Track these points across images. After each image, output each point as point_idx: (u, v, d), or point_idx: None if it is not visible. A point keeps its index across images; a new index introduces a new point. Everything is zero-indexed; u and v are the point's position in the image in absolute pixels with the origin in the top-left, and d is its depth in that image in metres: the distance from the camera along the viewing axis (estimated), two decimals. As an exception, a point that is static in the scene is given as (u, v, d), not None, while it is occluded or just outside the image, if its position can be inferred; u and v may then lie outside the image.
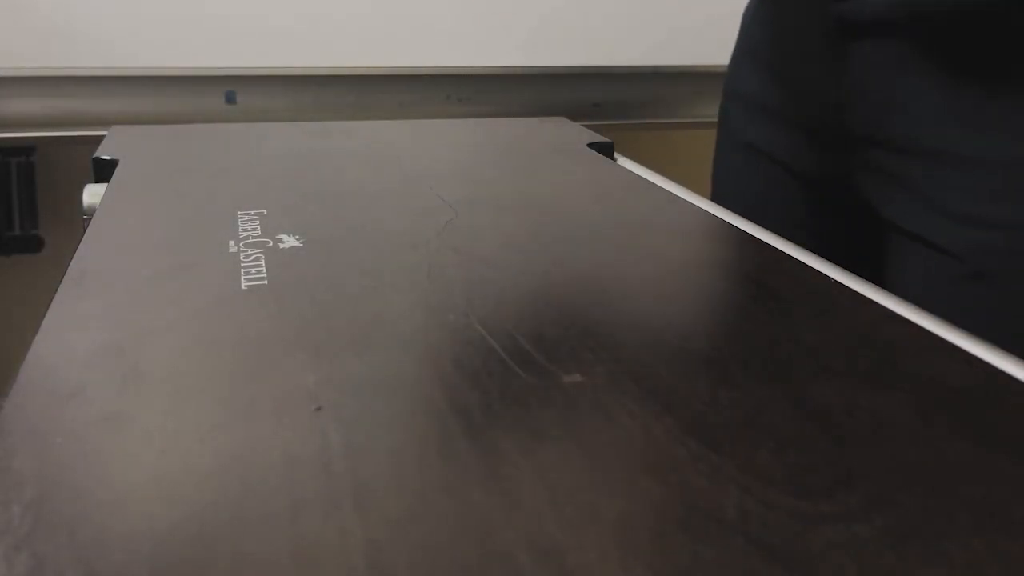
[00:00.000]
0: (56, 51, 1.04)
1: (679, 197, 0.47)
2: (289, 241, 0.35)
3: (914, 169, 0.50)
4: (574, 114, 0.69)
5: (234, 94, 1.00)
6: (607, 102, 0.91)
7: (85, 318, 0.27)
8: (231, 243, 0.35)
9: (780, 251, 0.38)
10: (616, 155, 0.58)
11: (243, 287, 0.30)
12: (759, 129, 0.58)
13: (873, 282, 0.35)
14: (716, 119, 0.64)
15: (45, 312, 0.28)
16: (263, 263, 0.33)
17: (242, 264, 0.32)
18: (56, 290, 0.30)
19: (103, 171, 0.48)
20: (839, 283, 0.34)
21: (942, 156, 0.49)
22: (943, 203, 0.49)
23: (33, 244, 1.29)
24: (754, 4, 0.61)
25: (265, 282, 0.31)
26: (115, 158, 0.48)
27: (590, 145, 0.57)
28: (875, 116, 0.51)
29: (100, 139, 0.53)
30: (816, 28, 0.54)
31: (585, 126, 0.65)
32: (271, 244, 0.35)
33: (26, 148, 1.24)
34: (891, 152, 0.51)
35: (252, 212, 0.39)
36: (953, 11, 0.48)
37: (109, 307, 0.28)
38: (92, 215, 0.39)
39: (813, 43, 0.55)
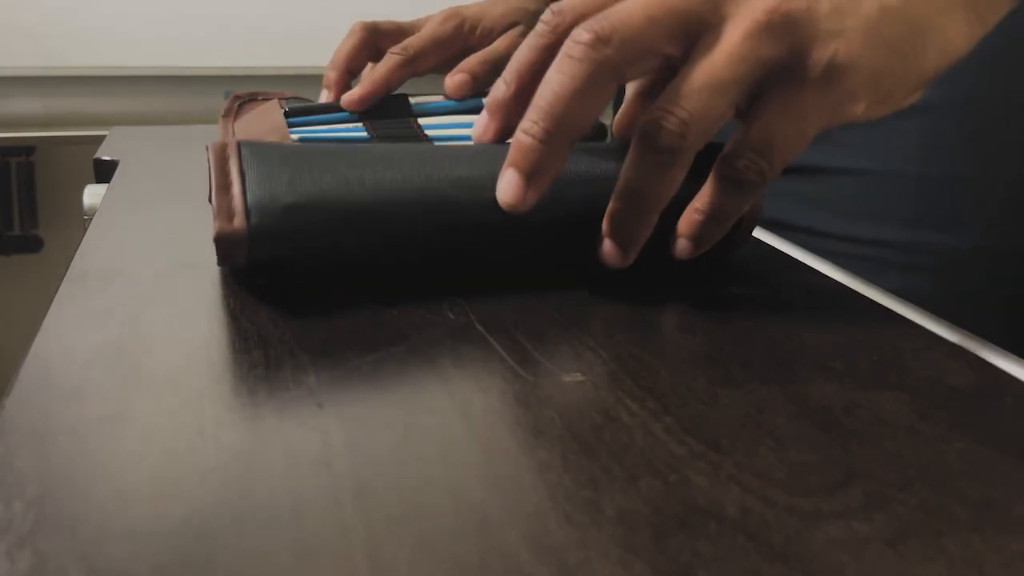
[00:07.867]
0: (56, 51, 1.04)
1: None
2: (290, 241, 0.35)
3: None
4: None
5: (234, 94, 1.00)
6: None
7: (86, 317, 0.28)
8: (232, 243, 0.35)
9: (780, 251, 0.38)
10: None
11: (244, 287, 0.30)
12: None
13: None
14: None
15: (45, 312, 0.28)
16: (264, 263, 0.33)
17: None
18: (56, 290, 0.30)
19: (104, 172, 0.48)
20: (839, 283, 0.34)
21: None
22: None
23: (33, 244, 1.29)
24: None
25: (266, 282, 0.31)
26: (116, 159, 0.48)
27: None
28: None
29: (100, 139, 0.53)
30: None
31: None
32: (272, 244, 0.35)
33: (26, 148, 1.24)
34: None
35: (252, 212, 0.39)
36: None
37: (110, 306, 0.28)
38: (93, 215, 0.39)
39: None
